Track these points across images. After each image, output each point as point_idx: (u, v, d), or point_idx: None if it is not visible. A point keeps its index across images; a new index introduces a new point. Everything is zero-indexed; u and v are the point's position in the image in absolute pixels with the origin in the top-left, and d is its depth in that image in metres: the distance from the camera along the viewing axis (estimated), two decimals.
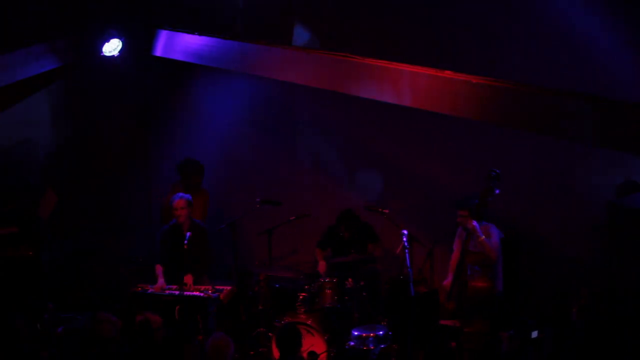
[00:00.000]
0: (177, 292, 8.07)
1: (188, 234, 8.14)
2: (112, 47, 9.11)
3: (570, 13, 8.14)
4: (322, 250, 8.99)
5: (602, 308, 7.30)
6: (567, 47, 8.27)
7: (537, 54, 8.44)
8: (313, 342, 7.77)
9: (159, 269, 8.45)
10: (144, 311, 6.96)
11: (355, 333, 7.75)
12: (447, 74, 7.05)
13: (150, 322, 6.73)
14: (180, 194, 8.49)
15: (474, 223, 7.37)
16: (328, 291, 8.23)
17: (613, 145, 6.42)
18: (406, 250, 7.55)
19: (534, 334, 7.27)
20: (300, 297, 8.14)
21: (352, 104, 9.31)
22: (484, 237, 7.41)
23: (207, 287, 8.26)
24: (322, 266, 8.79)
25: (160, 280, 8.37)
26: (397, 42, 9.12)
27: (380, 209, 8.60)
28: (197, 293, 8.12)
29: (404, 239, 7.63)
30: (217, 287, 8.26)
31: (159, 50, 9.29)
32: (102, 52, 9.09)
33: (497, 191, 7.29)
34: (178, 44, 9.08)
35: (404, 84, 7.39)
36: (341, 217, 8.77)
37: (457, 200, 7.66)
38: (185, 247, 8.01)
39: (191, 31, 8.85)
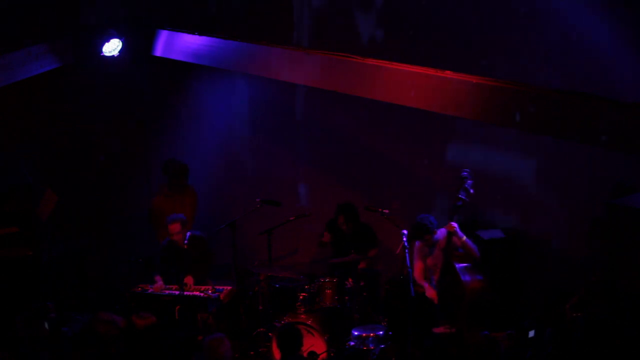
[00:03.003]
0: (177, 292, 8.08)
1: (188, 233, 8.16)
2: (112, 47, 9.12)
3: (570, 13, 8.13)
4: (329, 232, 8.96)
5: (601, 308, 7.29)
6: (567, 47, 8.27)
7: (537, 54, 8.44)
8: (313, 342, 7.76)
9: (158, 279, 8.45)
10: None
11: (355, 333, 7.75)
12: (447, 74, 7.04)
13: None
14: (173, 215, 8.46)
15: (454, 224, 7.40)
16: (328, 291, 8.23)
17: (613, 146, 6.41)
18: (406, 250, 7.54)
19: (531, 334, 7.26)
20: (300, 297, 8.14)
21: (352, 104, 9.31)
22: (465, 237, 7.45)
23: (207, 287, 8.27)
24: (326, 236, 8.85)
25: (160, 283, 8.37)
26: (398, 43, 9.13)
27: (380, 209, 8.59)
28: (197, 293, 8.13)
29: (404, 239, 7.62)
30: (217, 287, 8.27)
31: (159, 50, 9.29)
32: (102, 52, 9.09)
33: (471, 191, 7.38)
34: (178, 44, 9.08)
35: (404, 84, 7.39)
36: (340, 208, 8.75)
37: (414, 228, 7.64)
38: (185, 246, 8.03)
39: (191, 31, 8.85)
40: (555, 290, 8.15)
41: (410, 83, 7.31)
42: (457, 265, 7.38)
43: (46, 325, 7.43)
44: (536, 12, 8.38)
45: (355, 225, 8.74)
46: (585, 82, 7.93)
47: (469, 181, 7.40)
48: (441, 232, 7.60)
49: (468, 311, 7.23)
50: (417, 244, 7.83)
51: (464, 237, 7.45)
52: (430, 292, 7.64)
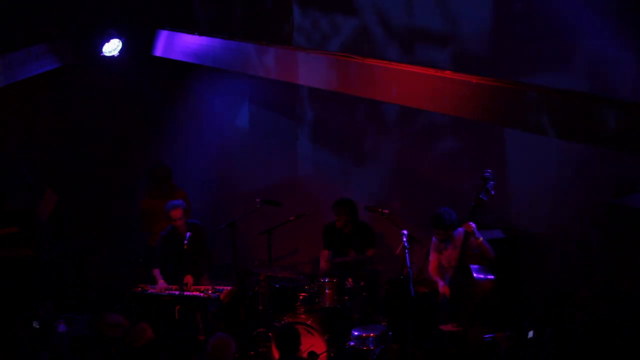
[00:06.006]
0: (177, 292, 8.08)
1: (188, 234, 8.15)
2: (112, 47, 9.13)
3: (570, 13, 8.13)
4: (329, 251, 8.90)
5: (601, 308, 7.29)
6: (567, 47, 8.26)
7: (537, 54, 8.44)
8: (313, 342, 7.75)
9: (157, 272, 8.44)
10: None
11: (355, 333, 7.74)
12: (447, 74, 7.05)
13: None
14: (174, 202, 8.43)
15: (472, 224, 7.35)
16: (328, 291, 8.23)
17: (613, 146, 6.42)
18: (406, 250, 7.53)
19: (531, 334, 7.26)
20: (300, 297, 8.14)
21: (352, 103, 9.31)
22: (482, 238, 7.40)
23: (207, 287, 8.27)
24: (323, 265, 8.79)
25: (161, 282, 8.37)
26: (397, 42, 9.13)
27: (380, 209, 8.60)
28: (197, 293, 8.13)
29: (404, 239, 7.61)
30: (217, 287, 8.27)
31: (159, 50, 9.30)
32: (102, 52, 9.09)
33: (492, 192, 7.30)
34: (178, 44, 9.09)
35: (404, 84, 7.39)
36: (334, 205, 8.72)
37: (431, 218, 7.57)
38: (186, 247, 8.02)
39: (191, 31, 8.85)
40: (555, 290, 8.15)
41: (410, 83, 7.32)
42: (471, 266, 7.33)
43: (35, 324, 7.44)
44: (536, 12, 8.37)
45: (354, 224, 8.73)
46: (586, 82, 7.93)
47: (491, 182, 7.29)
48: (459, 232, 7.51)
49: (474, 310, 7.22)
50: (434, 239, 7.78)
51: (481, 238, 7.35)
52: (444, 288, 7.61)
